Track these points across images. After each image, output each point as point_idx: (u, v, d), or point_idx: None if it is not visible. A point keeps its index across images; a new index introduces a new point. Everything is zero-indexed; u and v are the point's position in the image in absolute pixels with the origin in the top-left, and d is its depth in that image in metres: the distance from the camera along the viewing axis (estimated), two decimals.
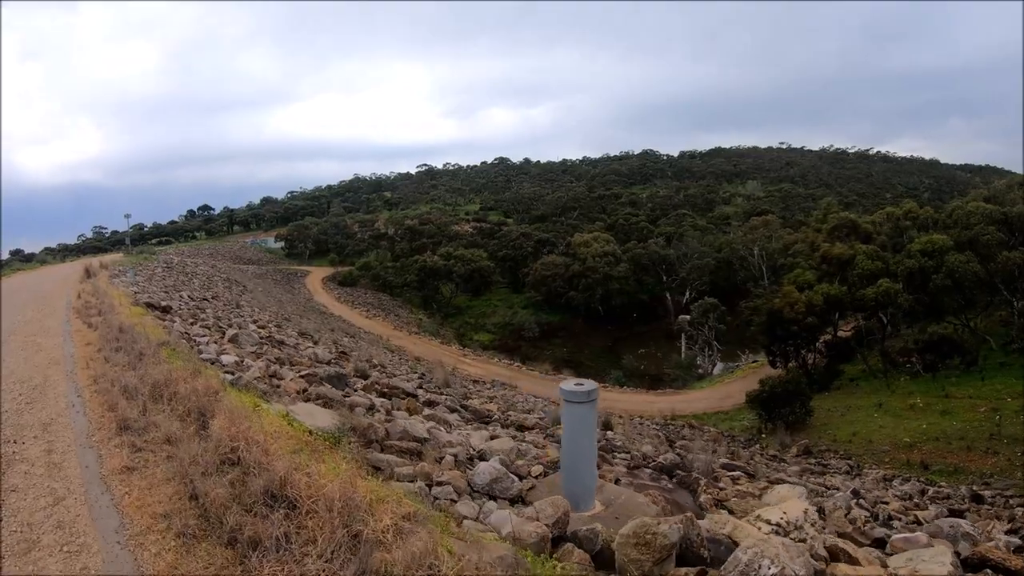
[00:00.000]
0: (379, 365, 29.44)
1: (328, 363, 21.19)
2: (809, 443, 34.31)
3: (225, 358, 12.64)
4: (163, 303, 23.86)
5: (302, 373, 14.34)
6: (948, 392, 37.69)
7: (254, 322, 33.08)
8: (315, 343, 32.76)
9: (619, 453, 20.04)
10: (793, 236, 72.28)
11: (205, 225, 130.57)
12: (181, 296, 34.59)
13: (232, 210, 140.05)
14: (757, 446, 34.32)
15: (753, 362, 53.59)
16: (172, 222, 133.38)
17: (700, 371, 58.27)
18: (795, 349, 44.08)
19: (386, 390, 15.93)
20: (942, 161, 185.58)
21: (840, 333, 47.23)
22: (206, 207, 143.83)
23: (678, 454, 20.24)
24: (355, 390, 14.36)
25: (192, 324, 21.15)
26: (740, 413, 42.12)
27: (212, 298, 40.83)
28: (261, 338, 23.27)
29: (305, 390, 11.17)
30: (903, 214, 53.03)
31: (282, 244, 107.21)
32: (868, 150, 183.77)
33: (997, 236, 42.50)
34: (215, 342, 15.87)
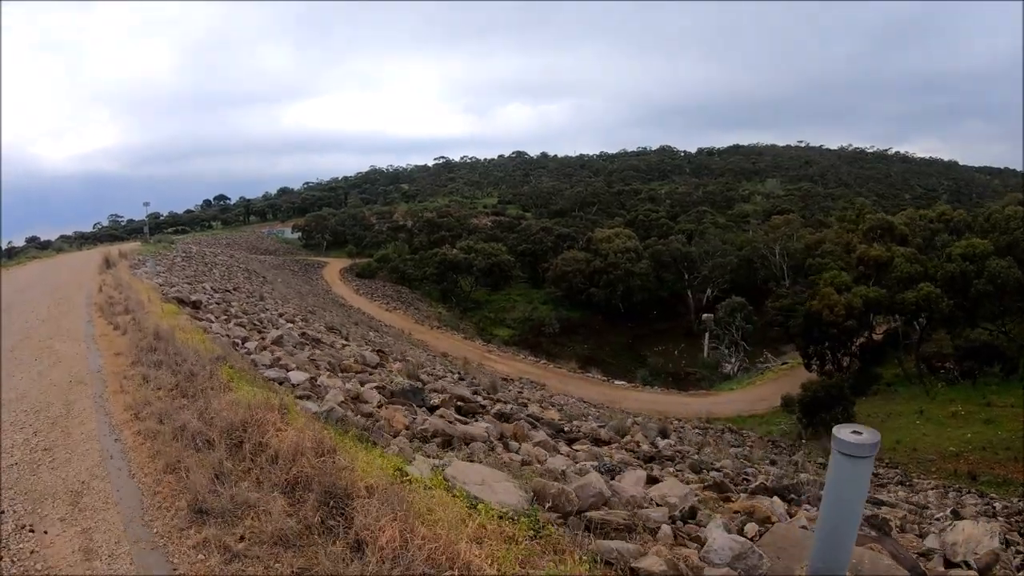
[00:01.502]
0: (419, 365, 27.19)
1: (375, 367, 19.27)
2: None
3: (294, 375, 10.47)
4: (192, 298, 21.69)
5: (372, 387, 12.27)
6: (990, 400, 36.20)
7: (281, 315, 31.42)
8: (346, 339, 30.85)
9: (707, 471, 18.05)
10: (815, 236, 69.98)
11: (221, 215, 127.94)
12: (204, 288, 32.77)
13: (249, 200, 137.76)
14: (802, 452, 32.62)
15: (783, 364, 51.40)
16: (188, 211, 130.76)
17: (727, 371, 56.09)
18: (832, 352, 42.10)
19: (459, 403, 13.85)
20: (961, 163, 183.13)
21: (873, 336, 45.28)
22: (222, 197, 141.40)
23: (751, 470, 18.25)
24: (434, 407, 12.29)
25: (227, 322, 19.11)
26: (776, 416, 40.34)
27: (234, 289, 38.90)
28: (300, 336, 21.29)
29: (411, 424, 8.90)
30: (936, 216, 50.81)
31: (299, 235, 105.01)
32: (887, 150, 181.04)
33: None
34: (265, 348, 13.83)
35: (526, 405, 23.88)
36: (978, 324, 40.62)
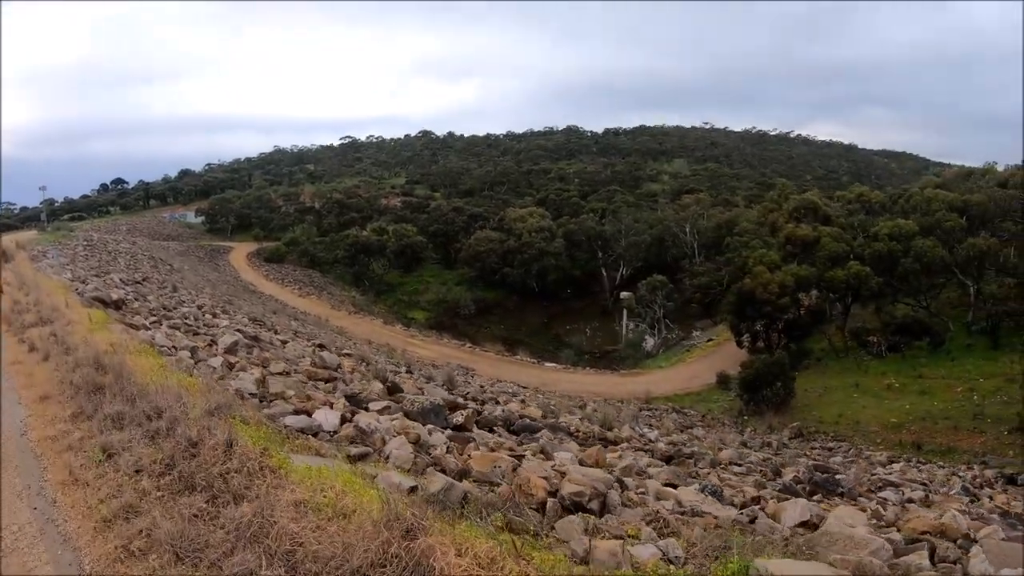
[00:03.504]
0: (365, 360, 24.01)
1: (336, 368, 16.38)
2: (801, 426, 32.06)
3: (323, 417, 7.27)
4: (114, 296, 17.74)
5: (379, 407, 9.40)
6: (921, 373, 36.47)
7: (200, 308, 28.21)
8: (275, 332, 27.66)
9: (734, 465, 16.21)
10: (727, 215, 70.02)
11: (120, 199, 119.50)
12: (113, 280, 29.34)
13: (148, 183, 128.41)
14: (750, 430, 31.69)
15: (708, 341, 50.49)
16: (85, 196, 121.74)
17: (648, 349, 54.88)
18: (765, 329, 41.52)
19: (479, 418, 11.34)
20: (860, 146, 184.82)
21: (800, 313, 45.12)
22: (120, 180, 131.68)
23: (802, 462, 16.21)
24: (458, 426, 9.75)
25: (158, 324, 15.60)
26: (712, 394, 39.76)
27: (143, 280, 35.37)
28: (245, 336, 17.97)
29: (550, 484, 5.87)
30: (855, 197, 51.14)
31: (203, 219, 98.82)
32: (789, 133, 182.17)
33: (959, 222, 41.96)
34: (234, 366, 10.48)
35: (497, 400, 21.50)
36: (899, 299, 41.39)
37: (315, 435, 6.46)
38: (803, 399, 35.68)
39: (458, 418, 10.50)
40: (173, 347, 11.63)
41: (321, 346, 25.36)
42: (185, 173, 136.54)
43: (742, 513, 7.57)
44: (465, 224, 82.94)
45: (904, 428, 31.02)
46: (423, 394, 16.12)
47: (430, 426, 8.90)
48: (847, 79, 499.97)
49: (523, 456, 8.02)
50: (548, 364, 47.74)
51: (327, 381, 13.23)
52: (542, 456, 9.00)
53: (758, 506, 9.09)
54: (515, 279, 73.01)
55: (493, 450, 8.54)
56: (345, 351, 27.42)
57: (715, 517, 7.17)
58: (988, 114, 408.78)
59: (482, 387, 28.84)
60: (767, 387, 34.66)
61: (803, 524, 7.51)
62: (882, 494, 14.85)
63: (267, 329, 27.80)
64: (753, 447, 24.87)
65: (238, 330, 20.18)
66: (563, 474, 6.83)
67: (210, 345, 13.91)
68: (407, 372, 25.70)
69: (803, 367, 40.18)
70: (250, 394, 8.20)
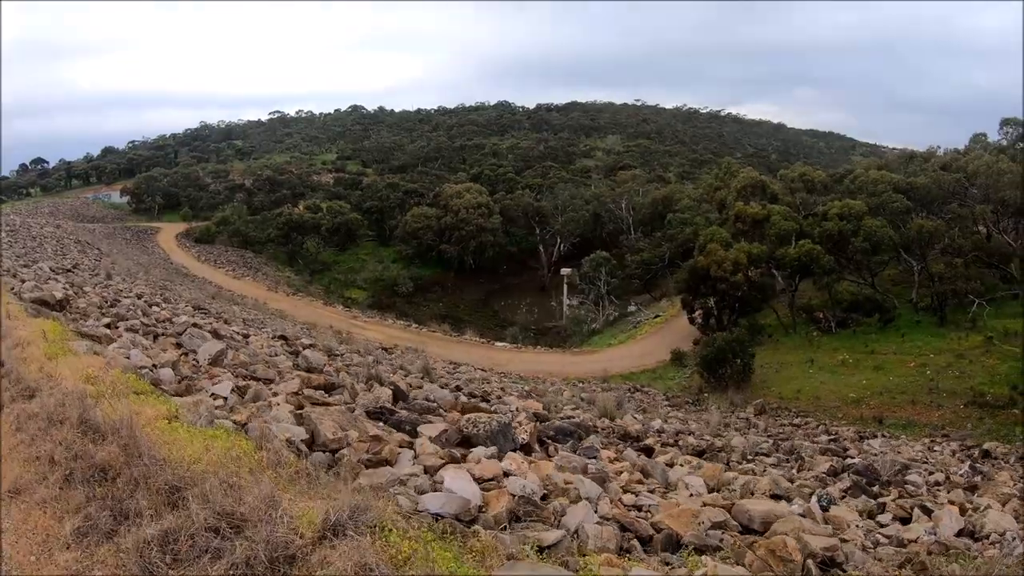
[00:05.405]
0: (332, 351, 21.54)
1: (322, 369, 14.06)
2: (763, 403, 31.22)
3: (456, 484, 4.63)
4: (57, 295, 14.68)
5: (434, 433, 7.22)
6: (873, 349, 36.50)
7: (139, 296, 25.09)
8: (227, 322, 25.02)
9: (761, 456, 14.70)
10: (663, 191, 69.31)
11: (40, 180, 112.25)
12: (43, 269, 25.77)
13: (69, 163, 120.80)
14: (715, 407, 30.97)
15: (656, 317, 49.59)
16: (3, 178, 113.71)
17: (592, 326, 53.64)
18: (718, 306, 41.03)
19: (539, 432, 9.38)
20: (789, 125, 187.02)
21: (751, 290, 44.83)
22: (40, 160, 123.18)
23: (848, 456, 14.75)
24: (523, 445, 8.32)
25: (114, 326, 12.99)
26: (668, 371, 38.97)
27: (74, 268, 32.51)
28: (200, 329, 15.41)
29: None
30: (797, 176, 50.86)
31: (128, 199, 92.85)
32: (719, 111, 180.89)
33: (905, 204, 42.33)
34: (246, 396, 8.07)
35: (489, 391, 19.69)
36: (844, 277, 41.36)
37: (474, 521, 4.24)
38: (760, 375, 35.15)
39: (523, 436, 8.43)
40: (153, 365, 9.15)
41: (283, 338, 22.87)
42: (108, 151, 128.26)
43: (929, 534, 6.74)
44: (400, 200, 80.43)
45: (864, 403, 30.92)
46: (415, 390, 14.07)
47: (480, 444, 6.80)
48: (778, 60, 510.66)
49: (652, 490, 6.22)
50: (498, 344, 46.09)
51: (328, 390, 10.93)
52: (657, 484, 7.21)
53: (888, 514, 8.16)
54: (452, 256, 71.60)
55: (609, 474, 6.59)
56: (303, 340, 24.89)
57: (913, 541, 6.47)
58: (910, 98, 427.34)
59: (447, 372, 27.03)
60: (727, 364, 33.92)
61: (960, 532, 7.00)
62: (908, 478, 13.80)
63: (214, 318, 25.27)
64: (740, 429, 23.76)
65: (194, 325, 17.54)
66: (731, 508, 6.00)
67: (185, 354, 11.38)
68: (375, 362, 23.48)
69: (757, 343, 39.83)
70: (303, 442, 5.95)
